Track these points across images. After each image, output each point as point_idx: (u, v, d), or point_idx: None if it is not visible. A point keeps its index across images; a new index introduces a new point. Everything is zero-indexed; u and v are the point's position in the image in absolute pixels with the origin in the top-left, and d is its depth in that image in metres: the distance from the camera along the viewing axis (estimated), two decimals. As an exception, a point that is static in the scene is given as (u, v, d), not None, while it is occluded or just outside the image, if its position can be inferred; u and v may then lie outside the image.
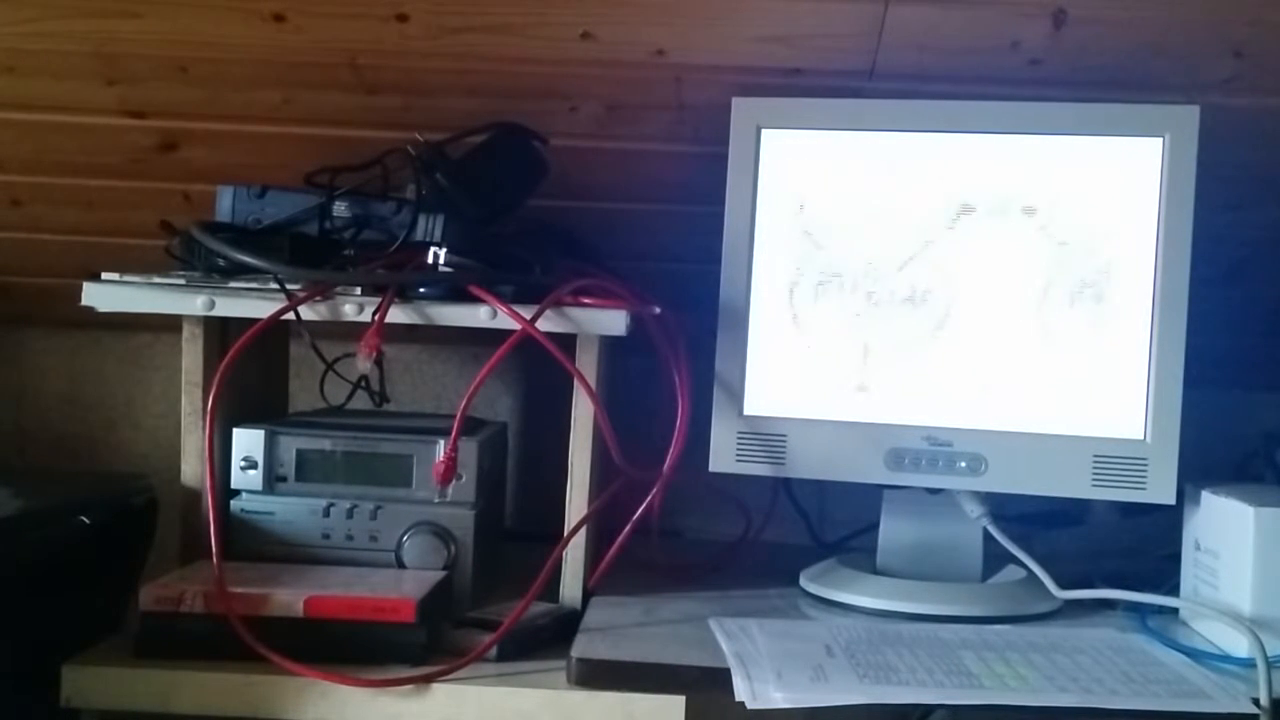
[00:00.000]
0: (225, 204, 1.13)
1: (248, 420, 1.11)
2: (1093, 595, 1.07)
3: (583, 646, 0.94)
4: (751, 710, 0.83)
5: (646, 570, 1.15)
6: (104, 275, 1.07)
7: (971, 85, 1.11)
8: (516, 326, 1.01)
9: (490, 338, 1.02)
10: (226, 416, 1.09)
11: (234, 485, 1.09)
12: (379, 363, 1.04)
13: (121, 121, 1.20)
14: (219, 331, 1.09)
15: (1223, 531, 1.00)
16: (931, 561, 1.12)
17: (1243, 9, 1.04)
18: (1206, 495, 1.02)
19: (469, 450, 1.08)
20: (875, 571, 1.13)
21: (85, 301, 1.06)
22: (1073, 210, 1.07)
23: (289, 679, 0.91)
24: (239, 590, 0.94)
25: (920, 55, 1.09)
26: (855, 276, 1.10)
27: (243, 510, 1.09)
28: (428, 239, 1.07)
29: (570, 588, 1.07)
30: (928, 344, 1.09)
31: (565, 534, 1.05)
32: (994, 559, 1.13)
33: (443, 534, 1.08)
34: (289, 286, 1.03)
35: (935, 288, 1.09)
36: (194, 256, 1.07)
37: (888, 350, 1.10)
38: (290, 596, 0.94)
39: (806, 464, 1.10)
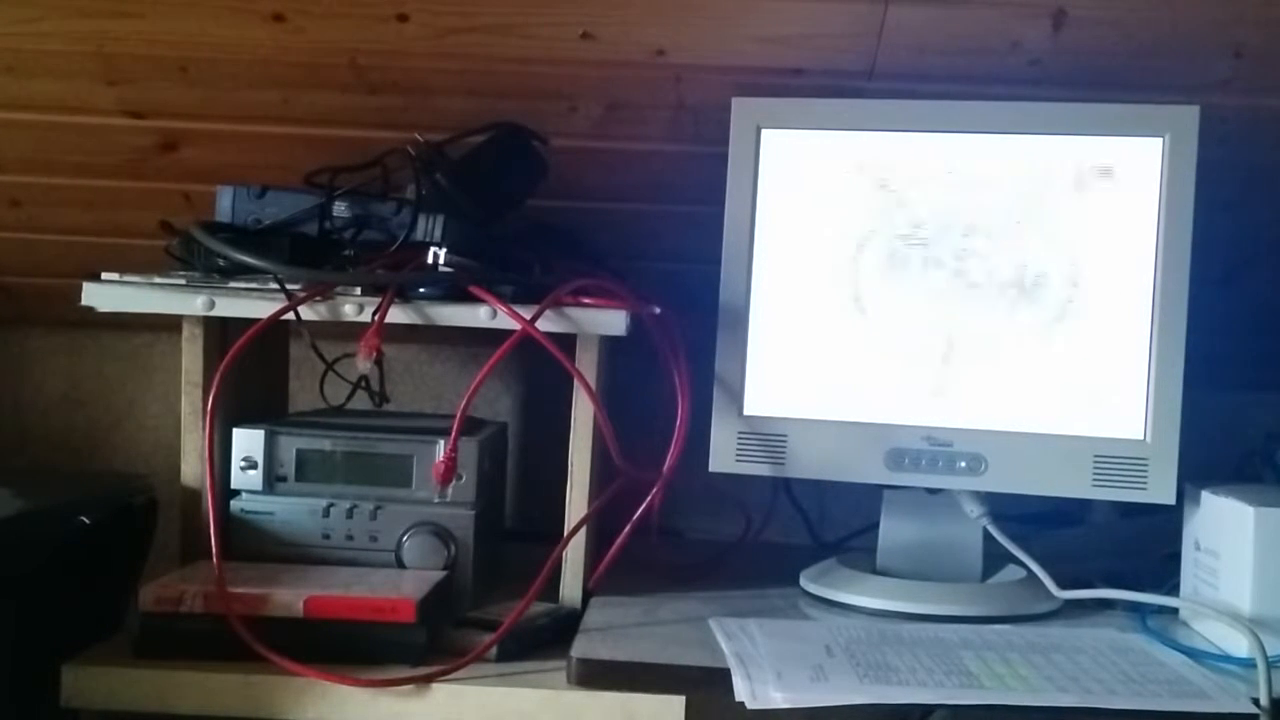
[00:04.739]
0: (225, 204, 1.13)
1: (248, 420, 1.11)
2: (1093, 595, 1.07)
3: (583, 646, 0.94)
4: (751, 710, 0.83)
5: (646, 570, 1.15)
6: (104, 275, 1.07)
7: (971, 85, 1.11)
8: (516, 326, 1.01)
9: (490, 338, 1.02)
10: (226, 416, 1.09)
11: (234, 485, 1.09)
12: (379, 363, 1.04)
13: (121, 121, 1.20)
14: (219, 331, 1.09)
15: (1223, 531, 1.00)
16: (931, 561, 1.12)
17: (1243, 9, 1.04)
18: (1206, 495, 1.02)
19: (469, 450, 1.08)
20: (875, 571, 1.13)
21: (85, 301, 1.06)
22: (1072, 210, 1.07)
23: (289, 679, 0.91)
24: (239, 590, 0.94)
25: (920, 55, 1.10)
26: (856, 277, 1.10)
27: (243, 510, 1.09)
28: (428, 239, 1.07)
29: (570, 588, 1.07)
30: (927, 343, 1.09)
31: (565, 534, 1.05)
32: (994, 559, 1.13)
33: (443, 534, 1.08)
34: (289, 286, 1.03)
35: (933, 288, 1.09)
36: (194, 256, 1.07)
37: (887, 349, 1.10)
38: (290, 596, 0.94)
39: (806, 464, 1.10)
